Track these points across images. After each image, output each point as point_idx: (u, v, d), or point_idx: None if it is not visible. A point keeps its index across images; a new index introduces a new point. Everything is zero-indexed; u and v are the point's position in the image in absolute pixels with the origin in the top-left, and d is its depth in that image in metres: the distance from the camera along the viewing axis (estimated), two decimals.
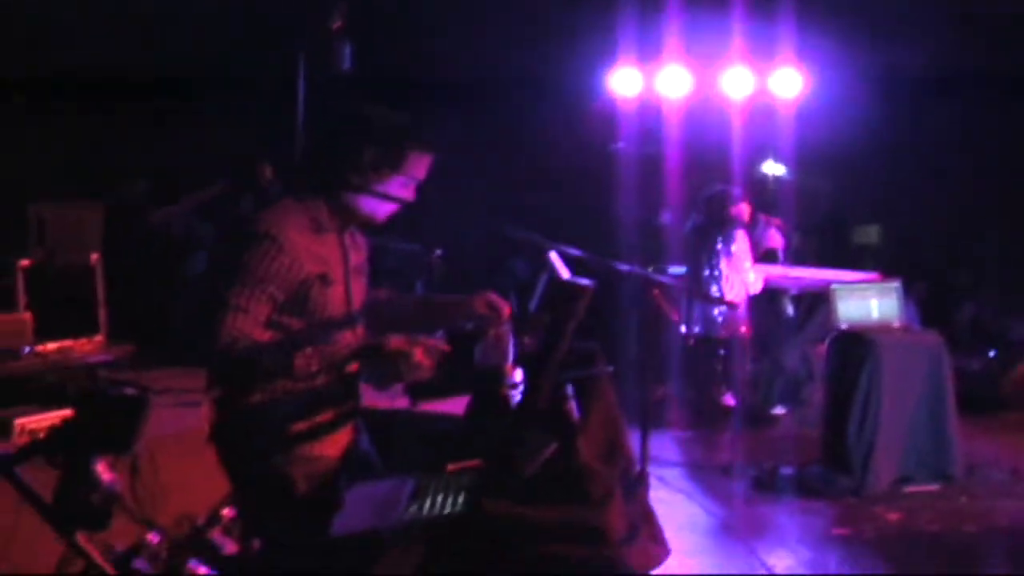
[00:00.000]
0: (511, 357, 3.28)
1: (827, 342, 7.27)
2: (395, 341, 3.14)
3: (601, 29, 10.06)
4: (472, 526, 2.78)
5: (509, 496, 2.79)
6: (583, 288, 2.98)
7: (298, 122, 7.13)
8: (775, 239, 9.57)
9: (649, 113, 10.53)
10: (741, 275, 8.36)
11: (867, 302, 7.25)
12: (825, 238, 11.83)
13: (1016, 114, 11.34)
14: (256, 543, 3.68)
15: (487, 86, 10.56)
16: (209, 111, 10.49)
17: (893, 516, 6.22)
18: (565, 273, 3.61)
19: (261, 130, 9.31)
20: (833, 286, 7.24)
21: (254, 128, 9.74)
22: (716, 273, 8.39)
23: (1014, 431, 8.49)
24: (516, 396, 3.14)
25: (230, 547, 4.69)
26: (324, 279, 3.29)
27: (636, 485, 3.36)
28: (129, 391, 3.21)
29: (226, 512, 4.78)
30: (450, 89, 10.33)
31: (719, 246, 8.37)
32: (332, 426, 3.34)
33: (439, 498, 2.96)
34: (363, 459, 3.39)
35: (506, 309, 3.52)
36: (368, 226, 3.52)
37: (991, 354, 9.63)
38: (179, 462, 4.43)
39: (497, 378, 3.17)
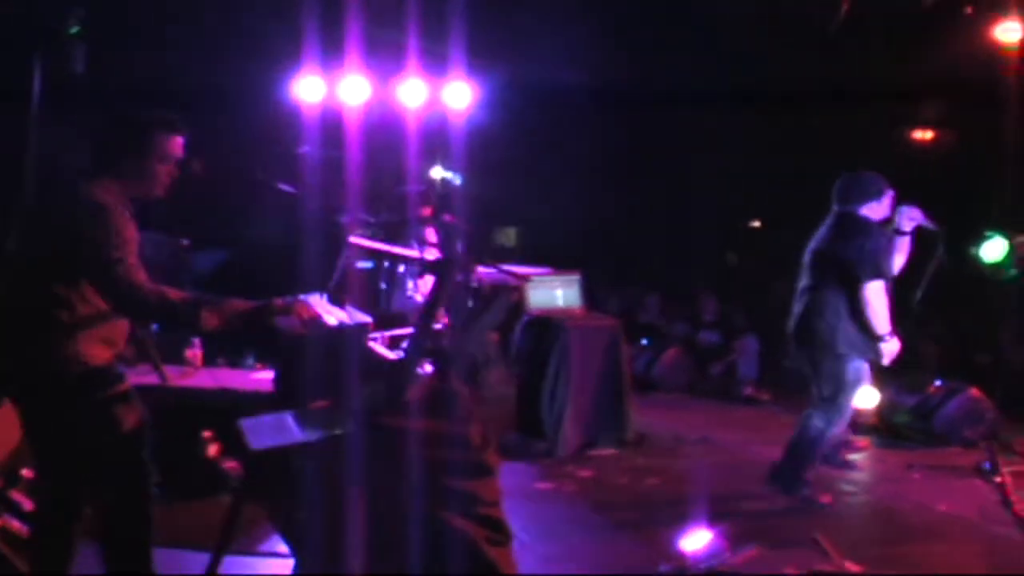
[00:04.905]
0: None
1: (519, 327, 8.21)
2: (280, 301, 3.86)
3: (286, 39, 10.48)
4: (374, 437, 3.42)
5: (401, 413, 3.44)
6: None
7: (32, 120, 7.27)
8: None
9: (331, 118, 11.07)
10: None
11: (553, 292, 8.27)
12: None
13: (671, 125, 12.81)
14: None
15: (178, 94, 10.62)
16: None
17: (586, 473, 7.22)
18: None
19: None
20: (532, 278, 8.15)
21: None
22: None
23: (667, 406, 9.85)
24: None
25: (28, 505, 4.95)
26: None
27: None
28: None
29: (25, 472, 5.03)
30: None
31: (412, 241, 9.09)
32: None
33: (319, 424, 3.61)
34: None
35: None
36: (152, 198, 4.08)
37: (644, 342, 10.98)
38: None
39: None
